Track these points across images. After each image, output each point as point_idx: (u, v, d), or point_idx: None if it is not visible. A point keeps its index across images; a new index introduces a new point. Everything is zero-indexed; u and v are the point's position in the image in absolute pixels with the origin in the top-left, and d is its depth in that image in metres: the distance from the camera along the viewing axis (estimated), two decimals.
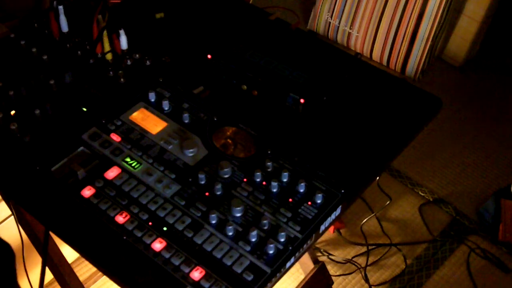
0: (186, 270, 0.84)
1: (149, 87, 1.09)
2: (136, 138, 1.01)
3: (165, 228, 0.89)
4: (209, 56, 1.14)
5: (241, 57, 1.13)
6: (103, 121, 1.03)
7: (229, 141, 1.02)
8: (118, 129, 1.02)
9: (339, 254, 1.95)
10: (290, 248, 0.87)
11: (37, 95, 1.08)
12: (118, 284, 0.86)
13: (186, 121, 1.04)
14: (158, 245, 0.87)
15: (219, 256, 0.86)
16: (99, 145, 0.99)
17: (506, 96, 2.58)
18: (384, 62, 2.50)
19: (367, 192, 2.08)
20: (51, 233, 0.94)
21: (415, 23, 2.37)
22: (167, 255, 0.86)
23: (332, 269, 1.89)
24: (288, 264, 0.87)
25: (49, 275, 1.45)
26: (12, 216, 1.27)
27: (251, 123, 1.05)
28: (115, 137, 1.01)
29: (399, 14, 2.39)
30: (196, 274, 0.84)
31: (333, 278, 1.81)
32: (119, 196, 0.92)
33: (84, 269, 1.78)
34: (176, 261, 0.85)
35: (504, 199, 2.03)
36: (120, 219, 0.89)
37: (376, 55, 2.50)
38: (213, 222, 0.89)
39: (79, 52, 1.16)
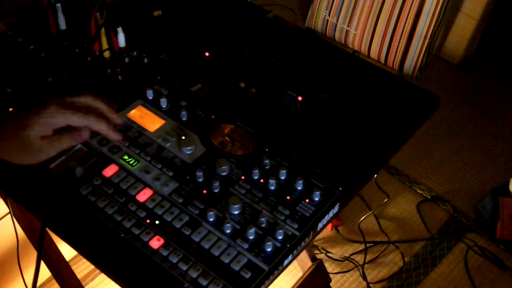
0: (184, 267, 0.84)
1: (147, 85, 1.09)
2: (134, 135, 1.01)
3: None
4: (207, 54, 1.14)
5: (239, 54, 1.13)
6: None
7: (227, 138, 1.02)
8: (116, 127, 1.02)
9: (337, 252, 1.95)
10: (288, 245, 0.87)
11: (34, 93, 1.08)
12: (116, 281, 0.86)
13: (184, 119, 1.04)
14: (155, 242, 0.86)
15: (216, 253, 0.86)
16: (97, 142, 0.99)
17: (503, 94, 2.58)
18: (382, 59, 2.50)
19: (365, 189, 2.08)
20: (50, 231, 0.94)
21: (413, 20, 2.37)
22: (164, 253, 0.86)
23: (330, 267, 1.90)
24: (286, 262, 0.87)
25: (47, 273, 1.45)
26: (9, 215, 1.27)
27: (249, 121, 1.05)
28: None
29: (397, 11, 2.39)
30: (194, 272, 0.84)
31: (331, 275, 1.81)
32: (117, 194, 0.92)
33: (82, 267, 1.78)
34: (174, 259, 0.85)
35: (502, 197, 2.03)
36: (118, 216, 0.89)
37: (374, 53, 2.50)
38: (211, 219, 0.89)
39: (76, 50, 1.16)
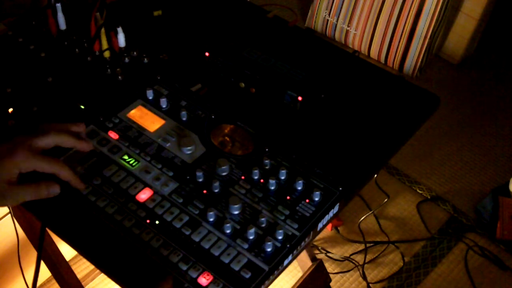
0: (184, 268, 0.84)
1: (147, 85, 1.09)
2: (134, 136, 1.01)
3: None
4: (206, 54, 1.14)
5: (239, 54, 1.13)
6: (101, 119, 1.03)
7: (227, 138, 1.02)
8: (116, 127, 1.02)
9: (337, 252, 1.95)
10: (288, 245, 0.87)
11: (34, 93, 1.08)
12: (116, 281, 0.86)
13: (184, 119, 1.04)
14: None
15: (216, 253, 0.86)
16: (97, 142, 0.99)
17: (503, 94, 2.58)
18: (382, 59, 2.50)
19: (365, 189, 2.08)
20: (50, 231, 0.93)
21: (413, 20, 2.37)
22: (164, 253, 0.86)
23: (330, 267, 1.90)
24: (286, 262, 0.87)
25: (47, 273, 1.45)
26: (9, 215, 1.27)
27: (249, 121, 1.05)
28: (113, 135, 1.01)
29: (397, 11, 2.39)
30: (194, 272, 0.84)
31: (331, 275, 1.81)
32: (117, 194, 0.92)
33: (82, 267, 1.78)
34: (174, 259, 0.85)
35: (502, 197, 2.04)
36: (118, 216, 0.89)
37: (374, 53, 2.50)
38: (211, 219, 0.89)
39: (76, 50, 1.16)
